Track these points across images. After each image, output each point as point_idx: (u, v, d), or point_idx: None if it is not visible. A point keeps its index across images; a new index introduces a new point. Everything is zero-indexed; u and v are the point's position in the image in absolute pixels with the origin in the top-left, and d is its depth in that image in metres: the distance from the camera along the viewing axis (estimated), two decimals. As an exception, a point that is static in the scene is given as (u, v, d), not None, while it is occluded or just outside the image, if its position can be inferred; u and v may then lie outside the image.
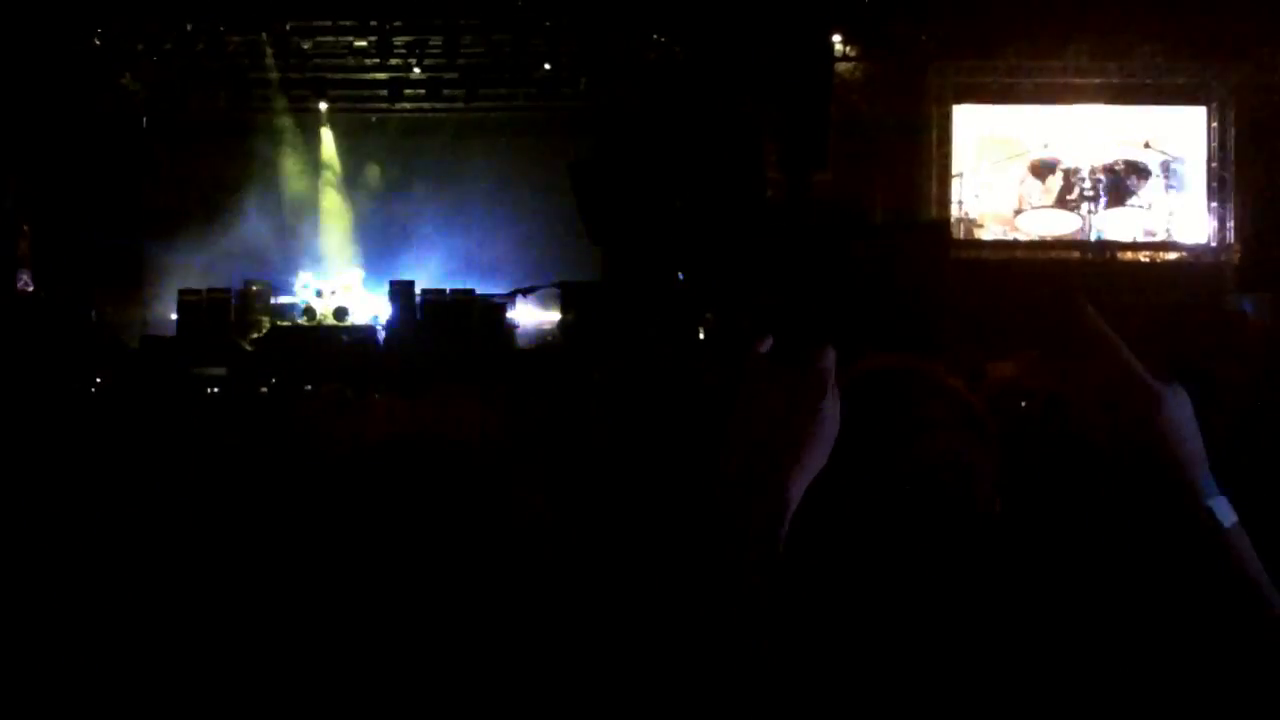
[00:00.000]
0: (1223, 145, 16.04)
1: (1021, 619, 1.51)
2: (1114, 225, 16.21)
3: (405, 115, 17.96)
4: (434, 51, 16.43)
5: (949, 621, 1.50)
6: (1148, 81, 15.91)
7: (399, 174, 18.19)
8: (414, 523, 2.73)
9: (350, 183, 18.34)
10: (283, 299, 17.10)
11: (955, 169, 16.16)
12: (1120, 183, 16.24)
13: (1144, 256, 16.16)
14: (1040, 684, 1.45)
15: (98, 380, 12.52)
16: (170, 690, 2.54)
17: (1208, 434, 1.42)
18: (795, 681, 1.43)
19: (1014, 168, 16.33)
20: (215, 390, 12.68)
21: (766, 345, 1.57)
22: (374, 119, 18.13)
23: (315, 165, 18.16)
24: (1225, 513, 1.39)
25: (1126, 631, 1.47)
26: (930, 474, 1.60)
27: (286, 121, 17.77)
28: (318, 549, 2.83)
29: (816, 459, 1.51)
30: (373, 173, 18.36)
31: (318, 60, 16.80)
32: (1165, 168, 16.24)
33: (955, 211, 16.03)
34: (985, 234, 16.35)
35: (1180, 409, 1.41)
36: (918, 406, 1.66)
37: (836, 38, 15.56)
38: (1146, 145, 16.21)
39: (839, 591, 1.59)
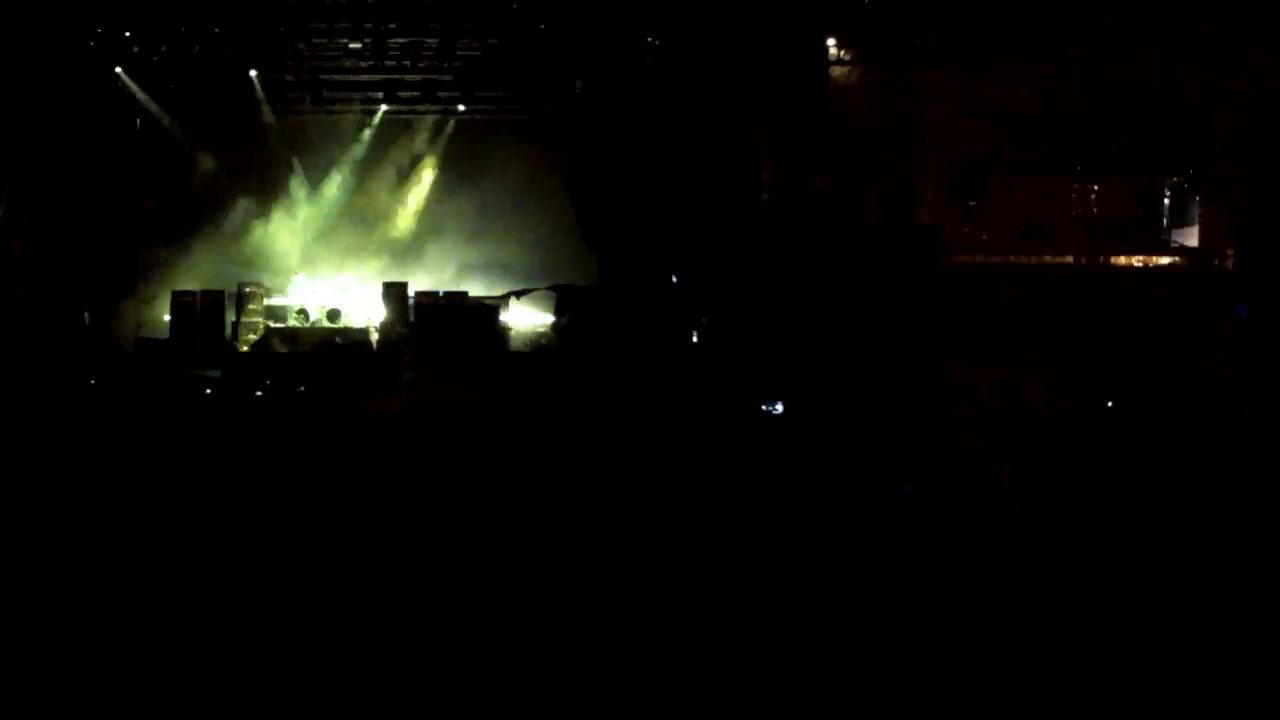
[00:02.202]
0: (1218, 150, 16.05)
1: (1041, 617, 1.52)
2: (1107, 233, 16.22)
3: (400, 117, 17.96)
4: (429, 54, 16.41)
5: (970, 618, 1.51)
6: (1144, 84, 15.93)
7: (394, 176, 18.19)
8: (414, 517, 2.73)
9: (344, 185, 18.33)
10: (277, 300, 17.07)
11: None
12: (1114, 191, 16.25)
13: (1138, 261, 16.17)
14: (1056, 679, 1.46)
15: (91, 382, 12.49)
16: (171, 682, 2.53)
17: (1199, 434, 1.43)
18: (811, 676, 1.43)
19: (1007, 174, 16.33)
20: (210, 392, 12.67)
21: None
22: (370, 121, 18.11)
23: (310, 167, 18.15)
24: None
25: (1140, 630, 1.47)
26: (953, 475, 1.60)
27: (281, 124, 17.75)
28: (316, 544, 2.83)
29: None
30: (367, 175, 18.35)
31: (313, 62, 16.76)
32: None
33: (949, 219, 16.02)
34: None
35: None
36: (941, 408, 1.67)
37: (831, 41, 15.57)
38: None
39: (863, 588, 1.59)
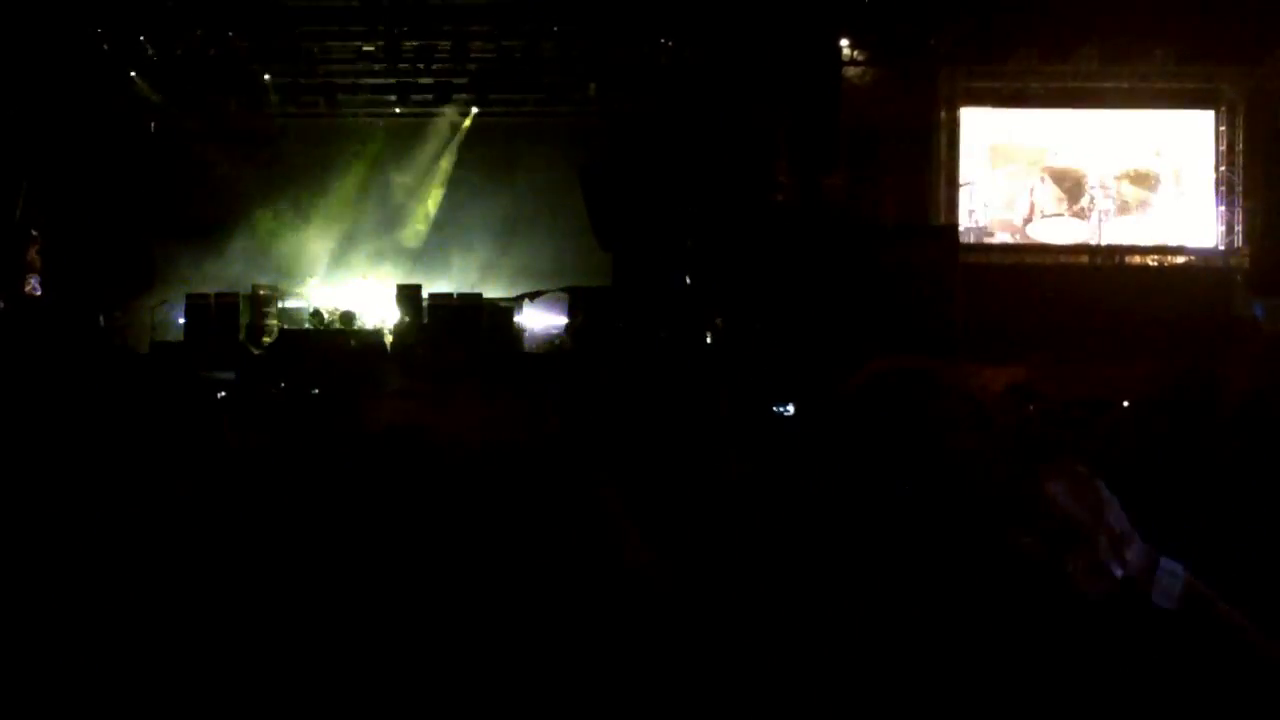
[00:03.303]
0: (1232, 149, 15.98)
1: (1043, 619, 1.50)
2: (1124, 233, 16.16)
3: (414, 120, 17.97)
4: (442, 57, 16.42)
5: (972, 618, 1.49)
6: (1158, 86, 15.86)
7: (408, 179, 18.20)
8: (412, 519, 2.73)
9: (358, 187, 18.35)
10: (291, 303, 17.11)
11: (965, 178, 16.10)
12: (1131, 192, 16.19)
13: (1153, 261, 16.10)
14: (1059, 679, 1.43)
15: (106, 383, 12.52)
16: (180, 689, 2.53)
17: (1212, 439, 1.41)
18: (808, 679, 1.41)
19: (1025, 177, 16.28)
20: (224, 394, 12.67)
21: None
22: (382, 124, 18.13)
23: (323, 170, 18.17)
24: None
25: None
26: (951, 474, 1.58)
27: (294, 126, 17.79)
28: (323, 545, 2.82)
29: None
30: (381, 178, 18.37)
31: (327, 65, 16.79)
32: (1175, 175, 16.19)
33: (965, 220, 15.95)
34: (995, 242, 16.31)
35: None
36: (933, 407, 1.64)
37: (844, 42, 15.53)
38: (1157, 154, 16.16)
39: (859, 589, 1.57)
